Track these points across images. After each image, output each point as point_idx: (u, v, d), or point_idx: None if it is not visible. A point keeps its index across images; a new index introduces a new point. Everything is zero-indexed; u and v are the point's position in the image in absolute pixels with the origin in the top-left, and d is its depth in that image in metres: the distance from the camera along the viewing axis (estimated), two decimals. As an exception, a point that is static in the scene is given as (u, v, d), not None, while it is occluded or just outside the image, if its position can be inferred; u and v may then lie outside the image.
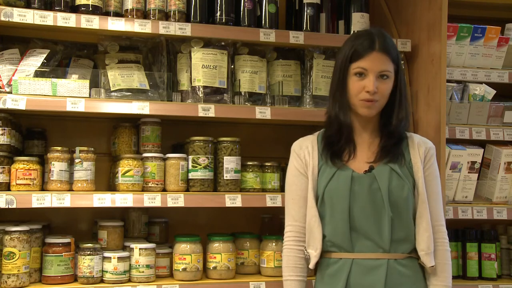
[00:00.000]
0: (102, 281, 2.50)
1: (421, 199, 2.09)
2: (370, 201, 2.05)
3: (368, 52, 2.07)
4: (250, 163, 2.77)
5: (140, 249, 2.53)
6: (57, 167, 2.47)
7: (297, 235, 2.16)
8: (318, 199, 2.12)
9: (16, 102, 2.38)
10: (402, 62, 2.88)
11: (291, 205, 2.18)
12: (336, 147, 2.14)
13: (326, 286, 2.11)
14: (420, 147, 2.15)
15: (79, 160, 2.50)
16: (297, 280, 2.14)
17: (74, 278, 2.50)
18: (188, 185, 2.66)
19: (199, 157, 2.65)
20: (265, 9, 2.82)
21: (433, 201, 2.13)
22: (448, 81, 2.83)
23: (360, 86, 2.07)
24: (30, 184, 2.44)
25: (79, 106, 2.45)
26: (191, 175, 2.65)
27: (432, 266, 2.08)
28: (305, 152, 2.17)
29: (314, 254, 2.10)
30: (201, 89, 2.66)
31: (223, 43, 2.73)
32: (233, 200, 2.61)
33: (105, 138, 2.93)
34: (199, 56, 2.68)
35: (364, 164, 2.11)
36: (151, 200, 2.51)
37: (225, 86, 2.71)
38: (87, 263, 2.46)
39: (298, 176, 2.17)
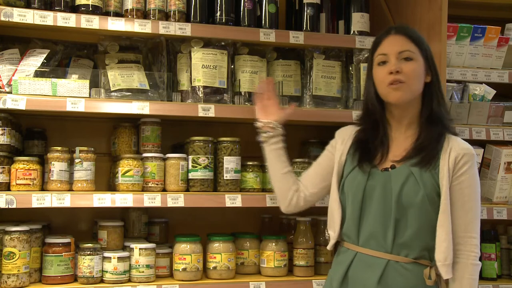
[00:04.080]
0: (102, 281, 2.50)
1: (442, 209, 2.00)
2: (381, 200, 2.05)
3: (385, 37, 2.13)
4: (250, 163, 2.76)
5: (140, 249, 2.53)
6: (57, 167, 2.47)
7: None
8: (341, 187, 2.18)
9: (16, 102, 2.38)
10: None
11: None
12: (370, 144, 2.15)
13: (333, 271, 2.17)
14: (452, 152, 2.04)
15: (79, 160, 2.50)
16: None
17: (74, 278, 2.50)
18: (188, 185, 2.66)
19: (199, 157, 2.65)
20: (265, 9, 2.82)
21: (462, 211, 2.01)
22: (448, 81, 2.83)
23: (383, 72, 2.08)
24: (30, 184, 2.44)
25: (79, 106, 2.45)
26: (191, 175, 2.65)
27: (448, 279, 2.00)
28: (340, 138, 2.27)
29: (333, 235, 2.17)
30: (201, 89, 2.66)
31: (223, 43, 2.73)
32: (233, 200, 2.61)
33: (105, 138, 2.93)
34: (199, 56, 2.68)
35: (389, 163, 2.10)
36: (151, 200, 2.51)
37: (225, 86, 2.71)
38: (87, 263, 2.46)
39: (325, 151, 2.32)
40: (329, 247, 2.20)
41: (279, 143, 2.36)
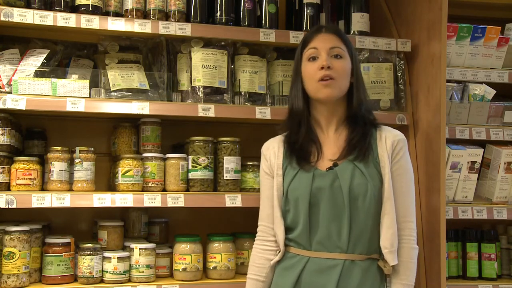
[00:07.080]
0: (102, 281, 2.50)
1: (386, 196, 2.05)
2: (332, 199, 2.04)
3: (316, 35, 2.14)
4: (250, 163, 2.76)
5: (140, 249, 2.53)
6: (57, 167, 2.47)
7: (261, 235, 2.22)
8: (284, 199, 2.14)
9: (16, 102, 2.38)
10: (402, 62, 2.92)
11: (260, 206, 2.25)
12: (298, 145, 2.13)
13: (280, 278, 2.12)
14: (387, 140, 2.11)
15: (79, 160, 2.50)
16: (251, 279, 2.19)
17: (74, 278, 2.50)
18: (188, 185, 2.66)
19: (199, 157, 2.65)
20: (265, 9, 2.82)
21: (402, 196, 2.08)
22: (448, 81, 2.83)
23: (314, 68, 2.09)
24: (30, 184, 2.44)
25: (79, 106, 2.45)
26: (191, 175, 2.65)
27: (395, 265, 2.05)
28: (270, 153, 2.21)
29: (280, 253, 2.14)
30: (201, 89, 2.66)
31: (223, 43, 2.73)
32: (233, 200, 2.61)
33: (105, 138, 2.93)
34: (199, 56, 2.68)
35: (329, 162, 2.10)
36: (151, 200, 2.51)
37: (225, 86, 2.71)
38: (87, 263, 2.46)
39: (264, 176, 2.23)
40: (272, 262, 2.15)
41: None
